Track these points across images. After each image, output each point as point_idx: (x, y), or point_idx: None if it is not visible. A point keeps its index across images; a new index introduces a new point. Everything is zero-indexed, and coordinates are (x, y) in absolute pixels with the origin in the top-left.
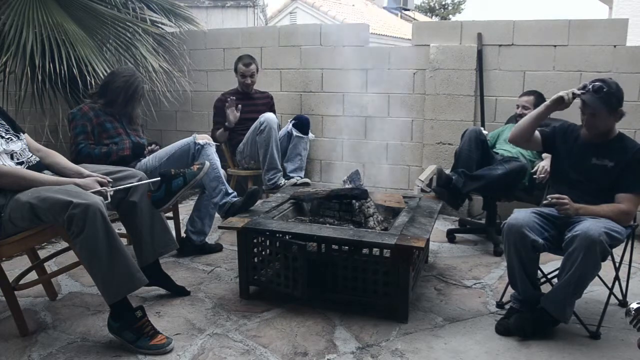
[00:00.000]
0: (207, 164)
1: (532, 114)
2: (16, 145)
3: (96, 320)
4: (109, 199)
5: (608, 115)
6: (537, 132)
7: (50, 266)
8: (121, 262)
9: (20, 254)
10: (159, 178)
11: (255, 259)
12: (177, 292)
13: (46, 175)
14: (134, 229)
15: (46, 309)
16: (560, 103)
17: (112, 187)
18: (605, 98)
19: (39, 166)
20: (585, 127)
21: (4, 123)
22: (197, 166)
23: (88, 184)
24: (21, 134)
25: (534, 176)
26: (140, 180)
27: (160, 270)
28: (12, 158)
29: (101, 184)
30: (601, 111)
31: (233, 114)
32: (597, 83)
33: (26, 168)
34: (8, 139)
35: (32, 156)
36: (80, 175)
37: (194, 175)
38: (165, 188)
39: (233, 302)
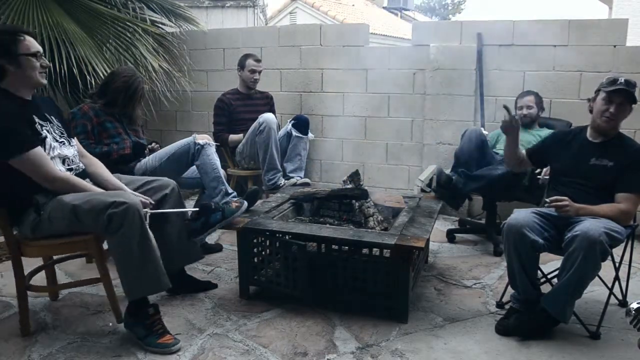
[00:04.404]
0: (246, 203)
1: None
2: (69, 151)
3: (96, 320)
4: (147, 220)
5: (628, 108)
6: (524, 152)
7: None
8: (151, 263)
9: None
10: (197, 209)
11: (255, 259)
12: (206, 287)
13: (97, 189)
14: (162, 237)
15: (46, 309)
16: (509, 126)
17: (152, 209)
18: (633, 91)
19: (84, 174)
20: (606, 118)
21: (60, 125)
22: (236, 204)
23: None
24: (72, 139)
25: (539, 176)
26: (173, 189)
27: (186, 276)
28: (63, 163)
29: (144, 205)
30: (627, 103)
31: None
32: (626, 78)
33: (74, 175)
34: (61, 142)
35: (80, 163)
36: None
37: (232, 213)
38: (204, 221)
39: (233, 302)
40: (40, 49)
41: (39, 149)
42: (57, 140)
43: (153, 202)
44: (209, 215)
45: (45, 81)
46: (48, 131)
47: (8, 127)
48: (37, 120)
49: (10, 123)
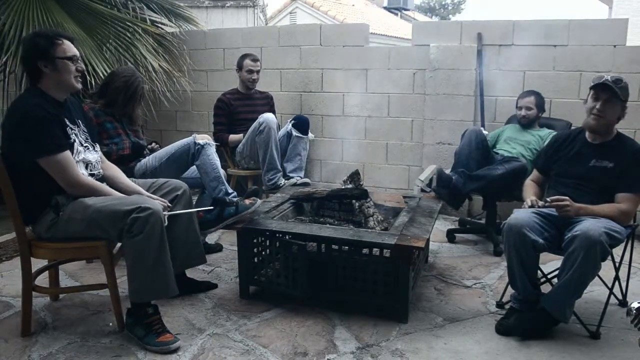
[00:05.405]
0: (259, 201)
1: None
2: (92, 156)
3: (96, 320)
4: (166, 222)
5: (618, 106)
6: (537, 175)
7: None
8: (163, 270)
9: None
10: (211, 207)
11: (255, 259)
12: (207, 288)
13: (117, 193)
14: (169, 239)
15: (46, 309)
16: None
17: (169, 211)
18: (620, 89)
19: (102, 179)
20: (594, 115)
21: (86, 131)
22: (250, 201)
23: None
24: (96, 144)
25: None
26: (184, 191)
27: (186, 278)
28: (86, 167)
29: (162, 208)
30: (615, 99)
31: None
32: (613, 75)
33: (95, 180)
34: (86, 147)
35: (101, 169)
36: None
37: (245, 208)
38: (218, 213)
39: (233, 302)
40: (77, 53)
41: (68, 152)
42: (82, 145)
43: (170, 205)
44: (223, 208)
45: (79, 86)
46: (76, 135)
47: (44, 126)
48: (68, 123)
49: (47, 123)
